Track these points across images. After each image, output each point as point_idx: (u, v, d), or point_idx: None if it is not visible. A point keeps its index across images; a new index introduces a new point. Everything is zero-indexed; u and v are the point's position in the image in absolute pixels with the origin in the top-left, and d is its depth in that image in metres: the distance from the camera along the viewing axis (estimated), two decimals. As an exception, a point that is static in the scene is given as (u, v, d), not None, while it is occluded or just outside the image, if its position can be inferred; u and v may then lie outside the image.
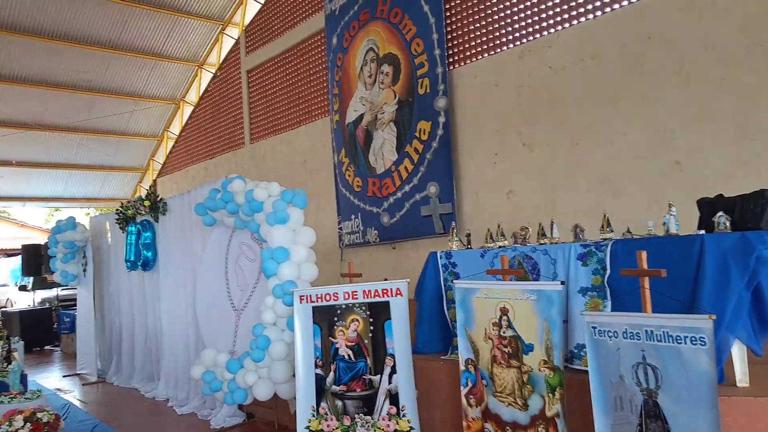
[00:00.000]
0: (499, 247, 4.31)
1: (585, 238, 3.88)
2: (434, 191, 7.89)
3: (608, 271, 3.57)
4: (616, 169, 6.20)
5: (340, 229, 9.61)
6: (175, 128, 16.13)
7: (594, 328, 2.95)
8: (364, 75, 9.11)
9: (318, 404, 4.33)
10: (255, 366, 4.99)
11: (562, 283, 3.29)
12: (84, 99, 14.66)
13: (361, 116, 9.16)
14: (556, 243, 3.96)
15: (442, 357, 4.41)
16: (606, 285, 3.58)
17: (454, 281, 3.94)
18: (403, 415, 4.10)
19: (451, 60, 7.90)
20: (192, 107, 15.20)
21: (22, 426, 4.60)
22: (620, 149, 6.17)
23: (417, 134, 8.13)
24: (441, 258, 4.54)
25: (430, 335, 4.57)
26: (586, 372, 2.99)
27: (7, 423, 4.61)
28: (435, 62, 7.85)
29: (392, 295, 4.27)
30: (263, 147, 12.13)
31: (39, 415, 4.74)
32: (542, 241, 4.03)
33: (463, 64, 7.84)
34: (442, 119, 7.80)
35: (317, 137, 10.53)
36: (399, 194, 8.46)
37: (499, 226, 4.47)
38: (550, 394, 3.22)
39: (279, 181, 5.44)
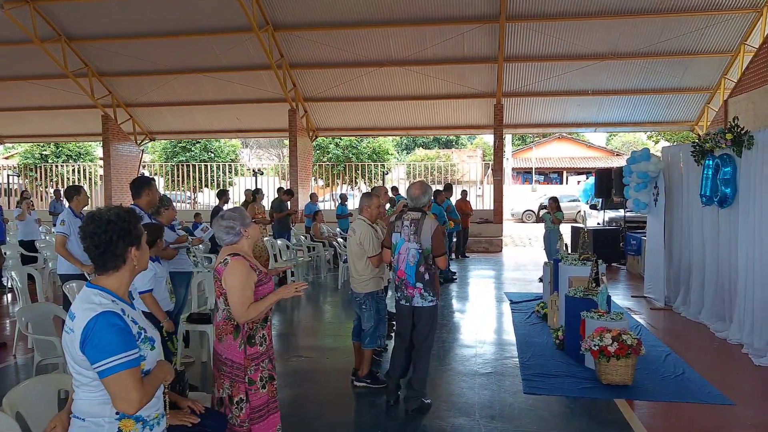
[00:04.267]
0: None
1: None
2: None
3: None
4: None
5: None
6: (755, 40, 14.30)
7: None
8: None
9: None
10: None
11: None
12: (654, 23, 14.58)
13: None
14: None
15: None
16: None
17: None
18: None
19: None
20: (778, 13, 13.12)
21: (611, 343, 5.24)
22: None
23: None
24: None
25: None
26: None
27: (598, 337, 5.35)
28: None
29: None
30: None
31: (624, 336, 5.29)
32: None
33: None
34: None
35: None
36: None
37: None
38: None
39: None
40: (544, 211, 11.49)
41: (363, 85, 17.57)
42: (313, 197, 15.50)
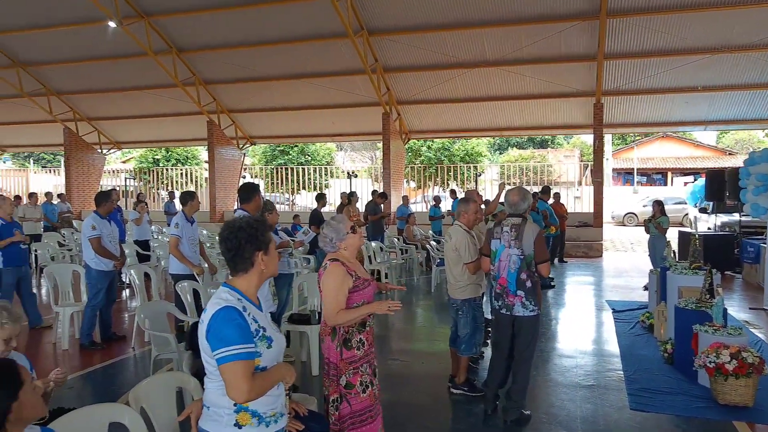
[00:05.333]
0: None
1: None
2: None
3: None
4: None
5: None
6: None
7: None
8: None
9: None
10: None
11: None
12: (775, 11, 13.44)
13: None
14: None
15: None
16: None
17: None
18: None
19: None
20: None
21: (729, 361, 4.87)
22: None
23: None
24: None
25: None
26: None
27: (714, 354, 4.98)
28: None
29: None
30: None
31: (744, 354, 4.90)
32: None
33: None
34: None
35: None
36: None
37: None
38: None
39: None
40: (647, 218, 10.79)
41: (456, 87, 17.44)
42: (406, 200, 15.56)
